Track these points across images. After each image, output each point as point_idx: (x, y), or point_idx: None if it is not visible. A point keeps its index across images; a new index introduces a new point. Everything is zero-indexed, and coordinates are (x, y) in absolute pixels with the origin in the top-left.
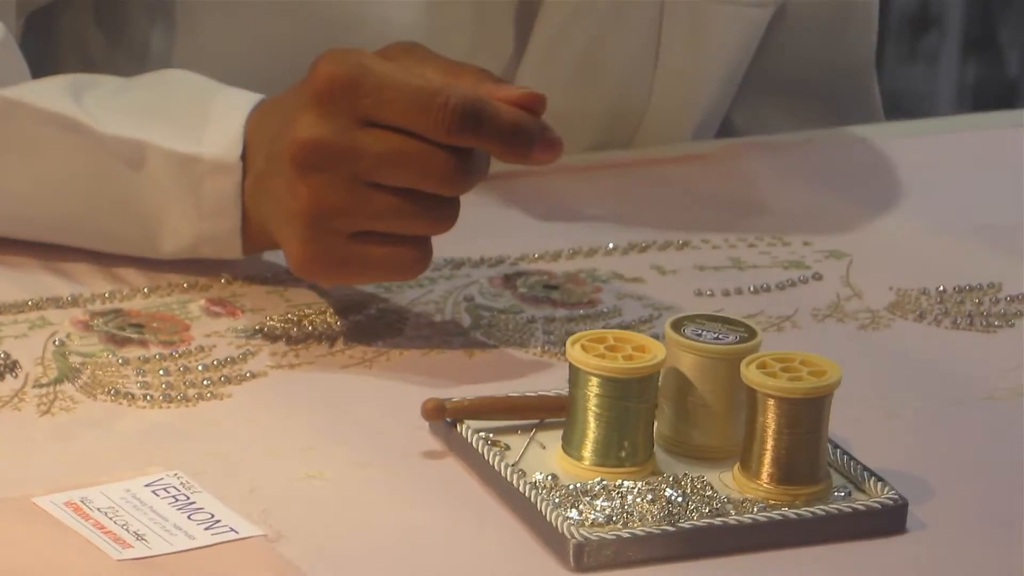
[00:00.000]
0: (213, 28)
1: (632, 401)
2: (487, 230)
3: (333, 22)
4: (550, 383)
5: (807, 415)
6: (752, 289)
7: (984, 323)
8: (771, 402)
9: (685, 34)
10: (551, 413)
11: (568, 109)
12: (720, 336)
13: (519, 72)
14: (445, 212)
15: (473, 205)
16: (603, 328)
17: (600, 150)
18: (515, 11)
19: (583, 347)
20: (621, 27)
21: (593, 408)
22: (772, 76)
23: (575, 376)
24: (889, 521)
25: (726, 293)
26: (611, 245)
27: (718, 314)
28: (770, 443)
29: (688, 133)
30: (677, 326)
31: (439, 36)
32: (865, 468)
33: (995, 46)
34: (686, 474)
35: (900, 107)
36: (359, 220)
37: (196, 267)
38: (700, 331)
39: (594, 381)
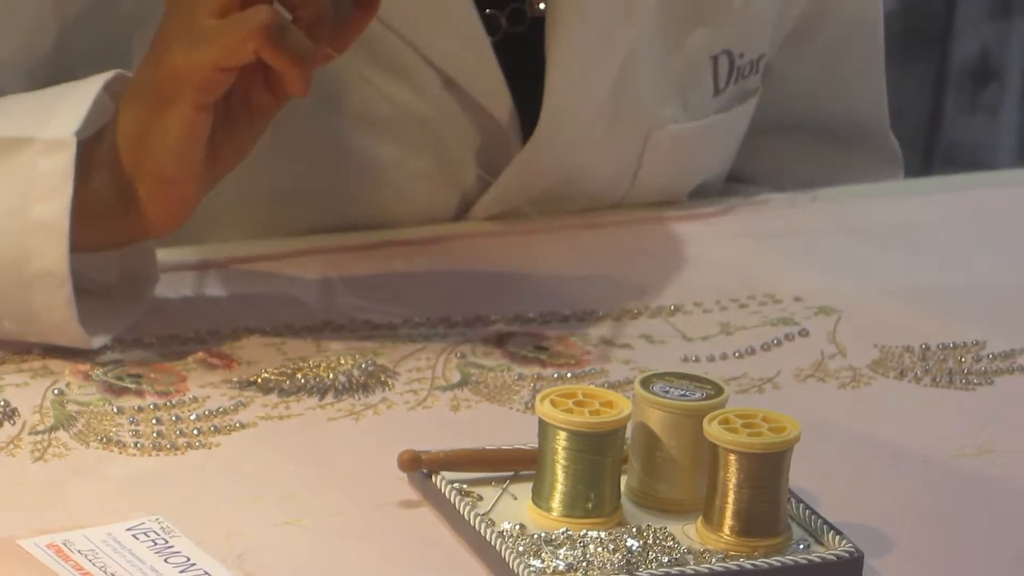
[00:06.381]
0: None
1: (598, 455)
2: (482, 291)
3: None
4: (532, 438)
5: (767, 469)
6: (737, 354)
7: (963, 381)
8: (732, 457)
9: (666, 155)
10: (524, 466)
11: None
12: (687, 393)
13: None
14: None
15: (470, 264)
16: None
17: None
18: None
19: (552, 402)
20: (597, 167)
21: (561, 461)
22: (774, 122)
23: (543, 430)
24: (845, 573)
25: (711, 359)
26: (603, 312)
27: (687, 373)
28: (731, 496)
29: None
30: (646, 383)
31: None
32: (825, 521)
33: None
34: (649, 525)
35: (960, 159)
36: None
37: (197, 318)
38: (668, 388)
39: (561, 435)
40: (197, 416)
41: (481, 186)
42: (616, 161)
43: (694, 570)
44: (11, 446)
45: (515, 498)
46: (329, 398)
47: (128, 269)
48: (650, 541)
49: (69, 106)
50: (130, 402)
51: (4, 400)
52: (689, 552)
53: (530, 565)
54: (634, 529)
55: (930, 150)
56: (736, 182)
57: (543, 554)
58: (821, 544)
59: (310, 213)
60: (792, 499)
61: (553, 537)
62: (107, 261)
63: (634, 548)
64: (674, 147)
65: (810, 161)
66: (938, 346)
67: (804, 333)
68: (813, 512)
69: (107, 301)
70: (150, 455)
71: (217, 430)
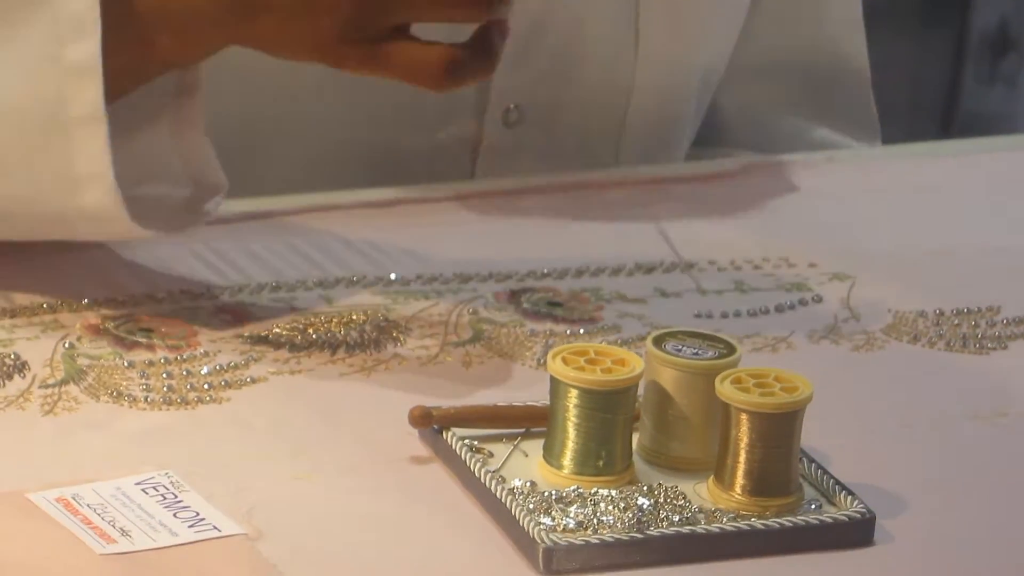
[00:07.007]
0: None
1: (609, 412)
2: (496, 246)
3: None
4: (544, 394)
5: (779, 429)
6: (750, 312)
7: (977, 345)
8: (743, 416)
9: (662, 19)
10: (535, 423)
11: (549, 102)
12: (699, 352)
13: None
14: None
15: (484, 221)
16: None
17: (591, 142)
18: None
19: (564, 360)
20: (596, 19)
21: (572, 419)
22: (756, 59)
23: (555, 387)
24: (857, 533)
25: (724, 315)
26: (617, 265)
27: (700, 331)
28: (743, 456)
29: (678, 117)
30: (659, 341)
31: None
32: (837, 482)
33: None
34: (660, 484)
35: (978, 129)
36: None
37: (209, 273)
38: (680, 347)
39: (573, 393)
40: (208, 371)
41: None
42: (611, 12)
43: (705, 529)
44: (21, 399)
45: (526, 455)
46: (340, 353)
47: (198, 180)
48: (661, 500)
49: None
50: (141, 356)
51: (14, 353)
52: (700, 511)
53: (540, 523)
54: (645, 488)
55: (948, 120)
56: (714, 147)
57: (553, 512)
58: (833, 504)
59: (318, 93)
60: (804, 459)
61: (564, 495)
62: (177, 171)
63: (645, 507)
64: (668, 11)
65: (790, 112)
66: (952, 311)
67: (818, 299)
68: (825, 472)
69: (164, 206)
70: (160, 409)
71: (228, 385)
